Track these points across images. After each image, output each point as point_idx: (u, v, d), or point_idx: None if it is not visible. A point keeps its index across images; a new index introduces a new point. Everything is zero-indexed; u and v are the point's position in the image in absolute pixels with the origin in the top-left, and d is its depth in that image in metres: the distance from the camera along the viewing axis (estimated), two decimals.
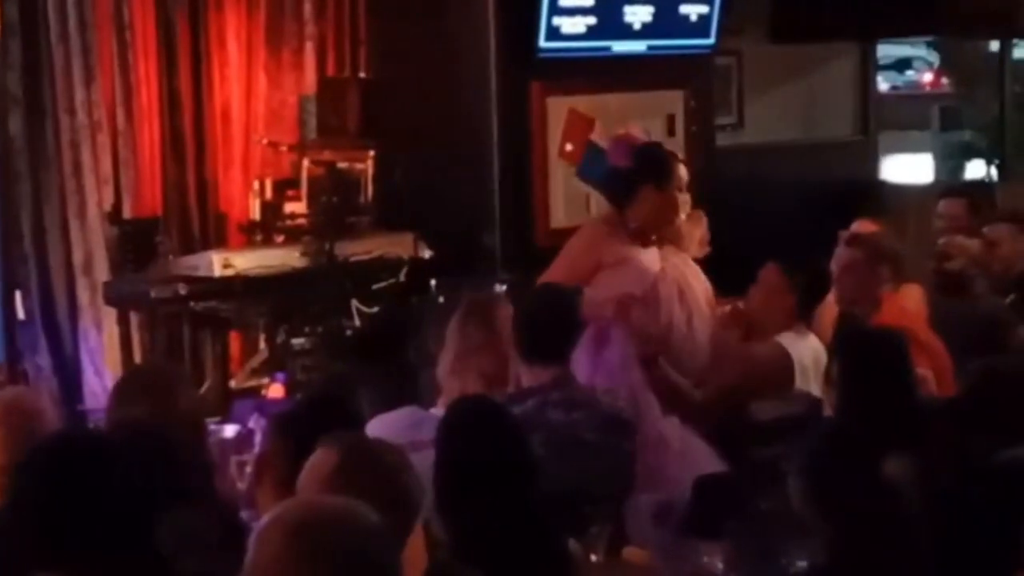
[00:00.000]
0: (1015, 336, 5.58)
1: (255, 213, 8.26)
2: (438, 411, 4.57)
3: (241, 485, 4.50)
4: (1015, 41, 12.48)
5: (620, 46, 8.78)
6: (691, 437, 4.99)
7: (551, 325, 4.62)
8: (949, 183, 11.58)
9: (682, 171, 5.30)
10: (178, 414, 3.90)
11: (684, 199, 5.36)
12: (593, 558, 3.83)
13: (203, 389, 7.40)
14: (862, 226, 6.52)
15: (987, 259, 6.34)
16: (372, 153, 8.24)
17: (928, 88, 15.42)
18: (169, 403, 3.92)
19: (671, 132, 9.11)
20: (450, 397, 4.71)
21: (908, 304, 5.88)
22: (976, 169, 13.80)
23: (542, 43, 8.44)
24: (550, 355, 4.60)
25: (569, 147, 8.67)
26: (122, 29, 8.12)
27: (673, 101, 9.15)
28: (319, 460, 2.90)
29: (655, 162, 5.18)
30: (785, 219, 8.85)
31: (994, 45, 12.53)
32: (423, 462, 4.17)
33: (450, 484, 3.44)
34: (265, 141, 8.39)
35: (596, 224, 5.21)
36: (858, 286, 5.69)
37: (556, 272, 5.21)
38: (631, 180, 5.11)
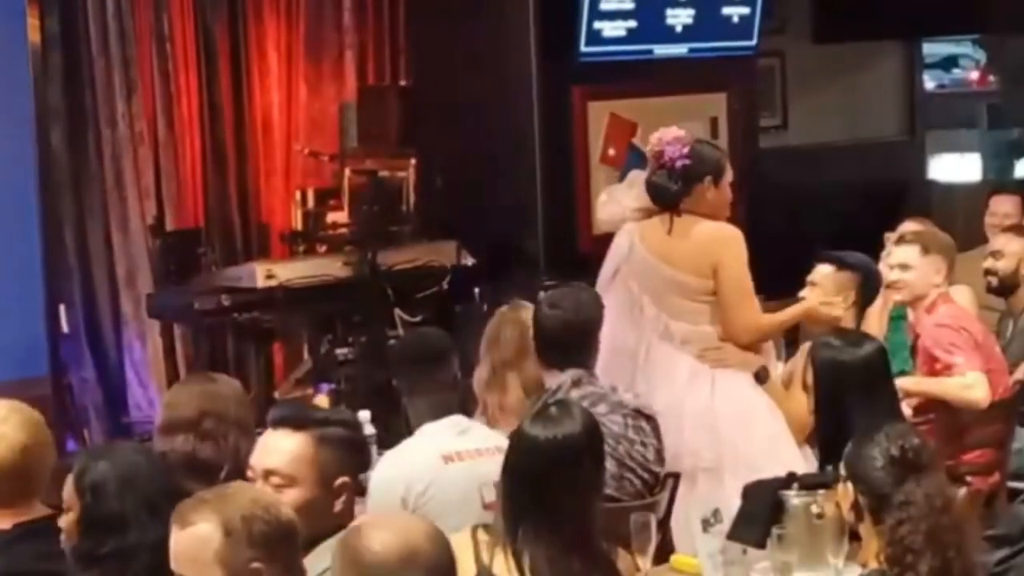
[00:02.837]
0: None
1: (297, 223, 8.25)
2: (480, 420, 4.54)
3: None
4: None
5: (661, 49, 8.72)
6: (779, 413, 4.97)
7: (559, 333, 4.58)
8: (998, 181, 11.43)
9: (730, 165, 5.25)
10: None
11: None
12: (642, 566, 3.76)
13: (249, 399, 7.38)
14: (910, 226, 6.45)
15: None
16: (413, 161, 8.21)
17: (975, 86, 15.24)
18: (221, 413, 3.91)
19: (714, 135, 9.04)
20: (488, 409, 4.68)
21: (961, 302, 5.80)
22: None
23: (583, 47, 8.40)
24: (562, 363, 4.57)
25: (611, 152, 8.62)
26: (162, 40, 8.14)
27: (716, 104, 9.08)
28: None
29: (711, 157, 5.11)
30: (831, 221, 8.75)
31: None
32: (464, 472, 4.20)
33: (517, 488, 3.38)
34: (306, 151, 8.38)
35: (734, 229, 5.11)
36: (914, 283, 5.62)
37: (753, 292, 5.12)
38: (689, 176, 5.03)
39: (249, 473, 3.25)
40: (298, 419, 3.26)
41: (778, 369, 5.30)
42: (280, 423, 3.25)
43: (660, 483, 4.57)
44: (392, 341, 7.32)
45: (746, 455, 4.84)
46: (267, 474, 3.21)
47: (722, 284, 5.00)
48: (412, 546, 2.65)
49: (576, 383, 4.53)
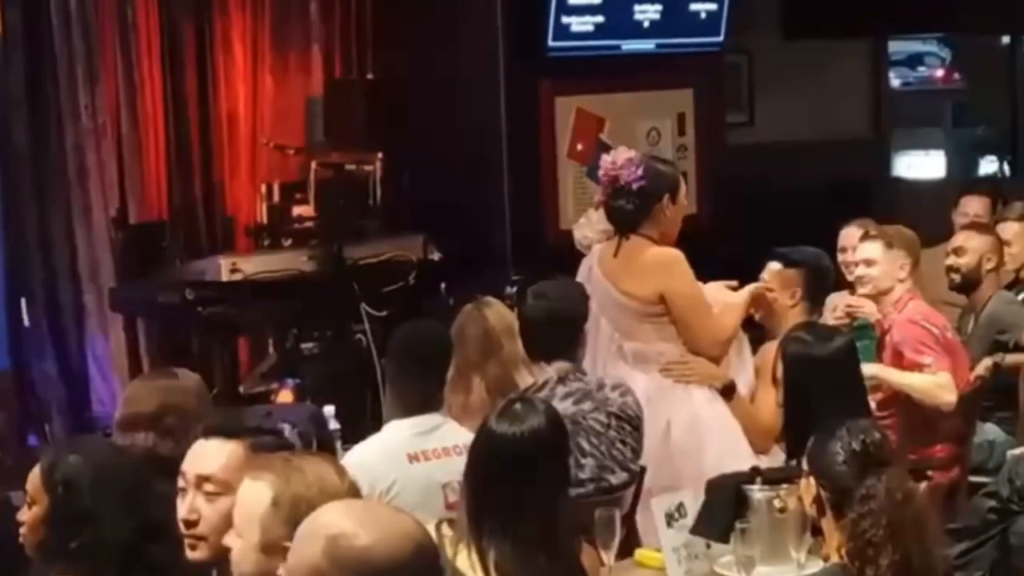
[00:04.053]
0: None
1: (262, 217, 8.21)
2: (447, 417, 4.52)
3: None
4: None
5: (629, 45, 8.73)
6: (735, 427, 5.01)
7: (547, 325, 4.57)
8: (963, 179, 11.49)
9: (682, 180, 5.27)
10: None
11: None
12: (606, 561, 3.76)
13: (212, 395, 7.34)
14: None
15: (999, 257, 6.29)
16: (380, 155, 8.17)
17: (940, 84, 15.32)
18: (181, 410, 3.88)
19: (681, 131, 9.06)
20: (454, 408, 4.66)
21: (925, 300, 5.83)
22: (989, 165, 13.71)
23: (551, 42, 8.40)
24: (550, 353, 4.55)
25: (579, 147, 8.63)
26: (126, 32, 8.07)
27: (683, 99, 9.10)
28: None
29: (666, 174, 5.12)
30: (797, 217, 8.76)
31: (1006, 40, 12.45)
32: (429, 472, 4.18)
33: (482, 485, 3.37)
34: (272, 144, 8.34)
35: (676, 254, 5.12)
36: (879, 278, 5.65)
37: (710, 309, 5.12)
38: (646, 196, 5.04)
39: (180, 482, 3.15)
40: (230, 428, 3.19)
41: (748, 365, 5.31)
42: (212, 432, 3.17)
43: (638, 482, 4.57)
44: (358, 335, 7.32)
45: (700, 472, 4.85)
46: (200, 481, 3.12)
47: (675, 309, 5.02)
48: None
49: (562, 379, 4.51)
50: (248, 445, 3.11)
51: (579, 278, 5.19)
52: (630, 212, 5.05)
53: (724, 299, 5.19)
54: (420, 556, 2.17)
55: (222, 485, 3.08)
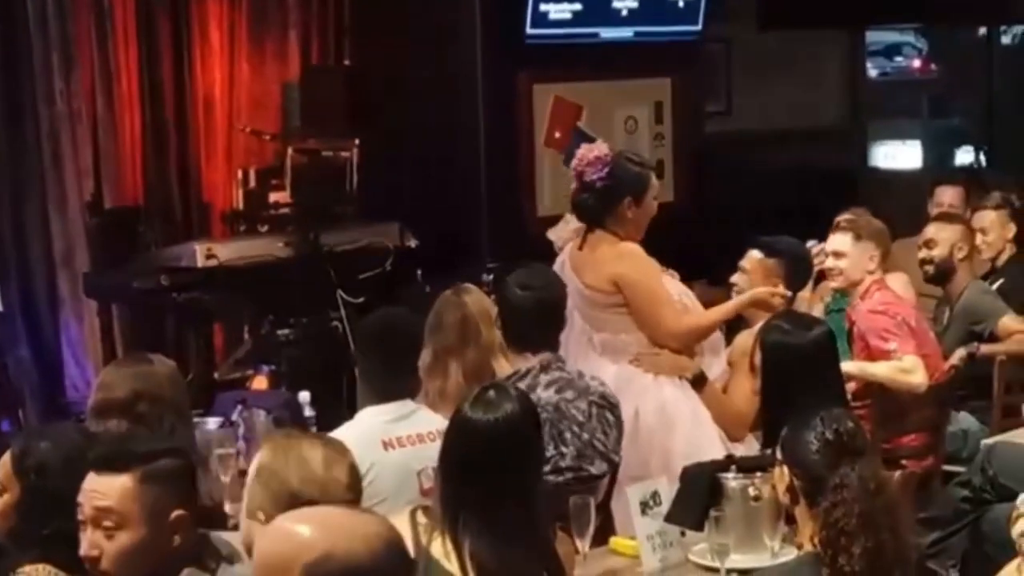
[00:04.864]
0: None
1: (238, 203, 8.19)
2: (422, 403, 4.52)
3: (224, 478, 4.44)
4: (1003, 28, 12.43)
5: (607, 33, 8.73)
6: (704, 416, 5.03)
7: (534, 313, 4.57)
8: (939, 170, 11.51)
9: (655, 179, 5.27)
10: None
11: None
12: (580, 548, 3.76)
13: (187, 381, 7.31)
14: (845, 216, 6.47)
15: (971, 246, 6.31)
16: (357, 142, 8.16)
17: (917, 75, 15.34)
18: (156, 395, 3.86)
19: (659, 119, 9.07)
20: (429, 395, 4.66)
21: (897, 289, 5.84)
22: (965, 156, 13.74)
23: (529, 30, 8.39)
24: (536, 342, 4.55)
25: (557, 135, 8.62)
26: (102, 17, 8.03)
27: (661, 88, 9.10)
28: None
29: (631, 176, 5.13)
30: (774, 206, 8.78)
31: (982, 31, 12.48)
32: (403, 458, 4.18)
33: (456, 472, 3.37)
34: (248, 130, 8.31)
35: (632, 245, 5.15)
36: (848, 270, 5.67)
37: (666, 298, 5.14)
38: (608, 196, 5.08)
39: (80, 516, 3.03)
40: (120, 459, 3.01)
41: (721, 354, 5.33)
42: (102, 467, 3.01)
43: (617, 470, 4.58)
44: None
45: (668, 462, 4.87)
46: (97, 516, 2.99)
47: (630, 299, 5.09)
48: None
49: (545, 368, 4.51)
50: (140, 475, 2.96)
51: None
52: (593, 208, 5.14)
53: (680, 289, 5.22)
54: (390, 554, 2.13)
55: (117, 519, 2.96)
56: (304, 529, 2.13)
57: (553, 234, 5.52)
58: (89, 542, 2.98)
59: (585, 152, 5.16)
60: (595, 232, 5.14)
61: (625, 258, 5.09)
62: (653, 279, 5.11)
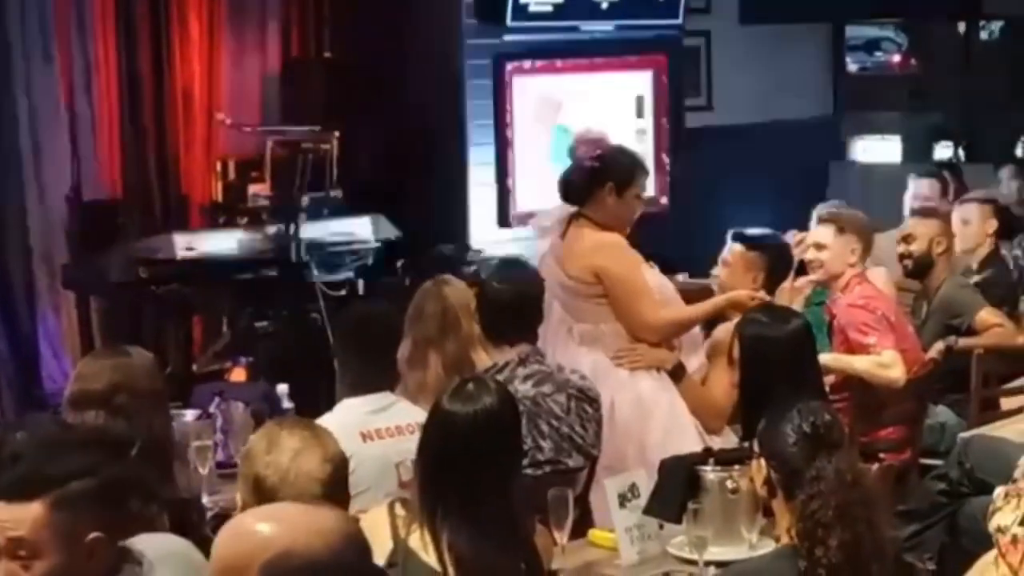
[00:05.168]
0: None
1: (218, 195, 8.17)
2: (401, 395, 4.51)
3: (202, 470, 4.43)
4: (981, 23, 12.47)
5: (588, 26, 8.74)
6: (681, 407, 5.04)
7: (513, 306, 4.57)
8: (918, 164, 11.53)
9: (645, 180, 5.28)
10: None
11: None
12: (559, 541, 3.76)
13: (165, 374, 7.30)
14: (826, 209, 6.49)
15: (949, 240, 6.34)
16: (337, 134, 8.13)
17: (897, 69, 15.37)
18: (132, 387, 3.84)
19: (639, 113, 9.07)
20: (409, 386, 4.66)
21: (878, 284, 5.86)
22: (944, 150, 13.77)
23: (509, 23, 8.38)
24: (515, 334, 4.55)
25: (538, 128, 8.61)
26: (81, 8, 7.99)
27: (642, 82, 9.11)
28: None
29: (619, 166, 5.15)
30: (754, 200, 8.80)
31: (962, 26, 12.51)
32: (382, 451, 4.18)
33: (435, 464, 3.38)
34: (228, 122, 8.28)
35: (615, 236, 5.16)
36: (830, 262, 5.67)
37: (645, 291, 5.14)
38: (592, 178, 5.10)
39: None
40: (30, 486, 2.85)
41: (699, 347, 5.34)
42: (12, 494, 2.84)
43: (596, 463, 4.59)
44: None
45: (643, 453, 4.89)
46: (9, 548, 2.84)
47: (609, 289, 5.11)
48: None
49: (523, 361, 4.52)
50: (51, 502, 2.81)
51: (537, 263, 5.27)
52: (575, 186, 5.18)
53: (660, 281, 5.22)
54: (349, 549, 2.12)
55: (33, 548, 2.83)
56: (262, 527, 2.11)
57: (534, 223, 5.54)
58: (5, 572, 2.85)
59: (586, 132, 5.26)
60: (578, 221, 5.16)
61: (607, 249, 5.10)
62: (634, 271, 5.12)
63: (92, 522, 2.83)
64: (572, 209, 5.23)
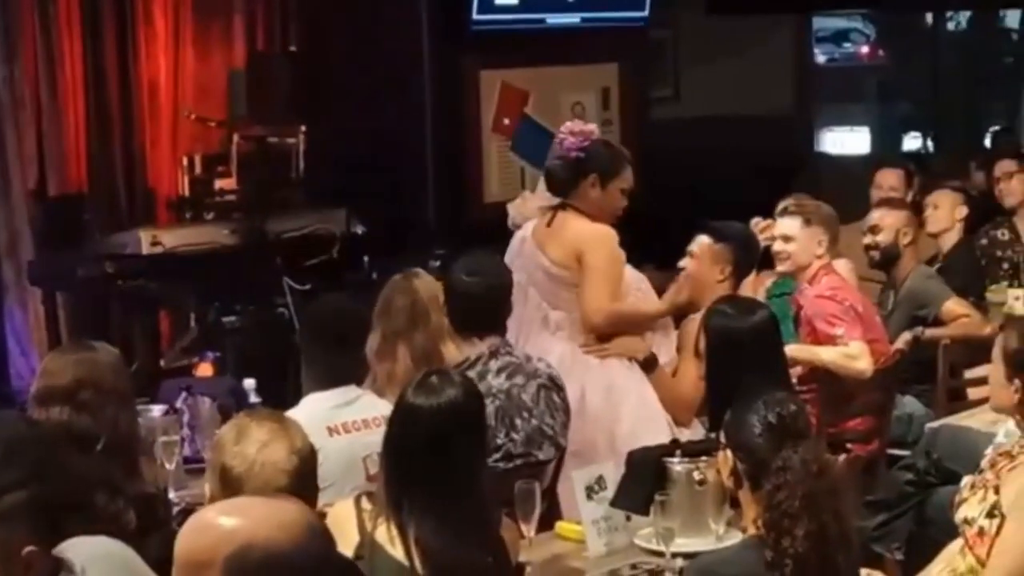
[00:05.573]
0: None
1: (184, 189, 8.14)
2: (369, 388, 4.51)
3: (169, 466, 4.42)
4: (949, 14, 12.53)
5: (554, 18, 8.73)
6: (651, 397, 5.04)
7: (484, 299, 4.57)
8: (886, 155, 11.58)
9: (629, 174, 5.28)
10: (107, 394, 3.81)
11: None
12: (526, 533, 3.76)
13: (132, 369, 7.26)
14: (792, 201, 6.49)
15: (916, 231, 6.35)
16: (303, 128, 8.13)
17: (865, 60, 15.45)
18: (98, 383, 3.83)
19: (606, 105, 9.07)
20: (378, 378, 4.65)
21: (842, 274, 5.87)
22: (913, 141, 13.83)
23: (475, 15, 8.37)
24: (485, 327, 4.55)
25: (505, 121, 8.61)
26: (45, 3, 7.94)
27: (608, 74, 9.11)
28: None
29: (602, 157, 5.17)
30: (721, 192, 8.80)
31: (930, 17, 12.57)
32: (349, 444, 4.17)
33: (400, 458, 3.36)
34: (193, 116, 8.25)
35: (607, 228, 5.17)
36: (797, 254, 5.68)
37: (611, 281, 5.14)
38: (575, 170, 5.12)
39: None
40: None
41: (670, 339, 5.35)
42: None
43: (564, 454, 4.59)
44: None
45: (612, 442, 4.89)
46: None
47: (583, 270, 5.11)
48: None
49: (494, 354, 4.51)
50: None
51: (510, 251, 5.29)
52: (560, 177, 5.21)
53: (637, 277, 5.23)
54: (312, 541, 2.11)
55: None
56: (224, 521, 2.10)
57: (513, 209, 5.55)
58: None
59: (573, 124, 5.27)
60: (566, 211, 5.18)
61: (598, 238, 5.12)
62: (614, 265, 5.12)
63: (27, 535, 2.76)
64: (554, 200, 5.25)
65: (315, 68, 8.38)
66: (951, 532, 3.84)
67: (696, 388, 4.86)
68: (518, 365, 4.53)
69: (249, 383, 5.22)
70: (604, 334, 5.13)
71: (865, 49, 15.90)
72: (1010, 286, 6.83)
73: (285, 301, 7.36)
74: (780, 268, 5.78)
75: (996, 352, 3.86)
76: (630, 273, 5.24)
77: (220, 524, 2.10)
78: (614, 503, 3.95)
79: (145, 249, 7.22)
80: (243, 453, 3.01)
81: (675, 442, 4.16)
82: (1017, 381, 3.77)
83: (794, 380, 5.08)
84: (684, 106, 10.09)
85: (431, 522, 3.28)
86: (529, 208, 5.44)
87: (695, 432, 4.92)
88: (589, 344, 5.13)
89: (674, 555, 3.73)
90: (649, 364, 5.13)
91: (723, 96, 10.15)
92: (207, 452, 3.30)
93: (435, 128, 8.37)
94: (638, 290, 5.22)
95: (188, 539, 2.12)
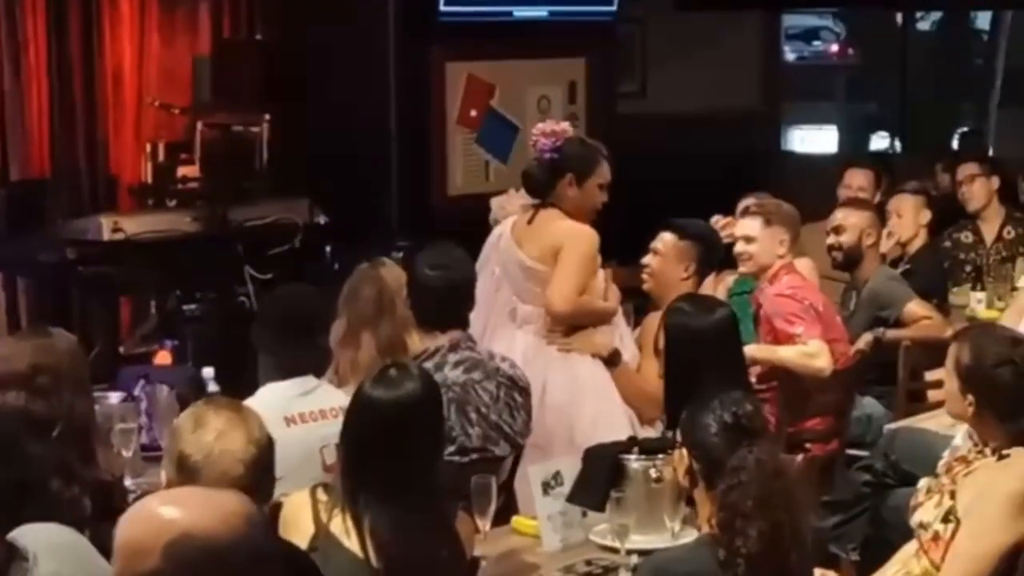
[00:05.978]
0: None
1: (147, 176, 8.11)
2: (330, 379, 4.49)
3: (126, 453, 4.39)
4: (919, 14, 12.56)
5: (521, 11, 8.71)
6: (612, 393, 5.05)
7: (445, 291, 4.55)
8: (854, 154, 11.61)
9: (606, 169, 5.28)
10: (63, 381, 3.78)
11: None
12: (482, 528, 3.75)
13: (91, 355, 7.23)
14: (751, 201, 6.48)
15: (879, 232, 6.36)
16: (268, 117, 8.10)
17: (835, 59, 15.49)
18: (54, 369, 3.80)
19: (572, 99, 9.06)
20: (340, 366, 4.64)
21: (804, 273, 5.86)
22: (881, 141, 13.87)
23: (442, 7, 8.34)
24: (446, 321, 4.54)
25: (472, 113, 8.59)
26: None
27: (575, 68, 9.09)
28: None
29: (576, 156, 5.17)
30: (687, 189, 8.80)
31: (900, 17, 12.59)
32: (306, 434, 4.15)
33: (357, 450, 3.37)
34: (158, 103, 8.21)
35: (588, 228, 5.17)
36: (758, 254, 5.69)
37: (581, 276, 5.14)
38: (551, 171, 5.12)
39: None
40: None
41: (632, 333, 5.35)
42: None
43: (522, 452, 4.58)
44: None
45: (572, 435, 4.89)
46: None
47: (557, 261, 5.10)
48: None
49: (454, 347, 4.49)
50: None
51: (487, 244, 5.32)
52: (536, 179, 5.23)
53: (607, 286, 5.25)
54: (251, 532, 2.11)
55: None
56: (163, 510, 2.12)
57: (496, 205, 5.55)
58: None
59: (545, 125, 5.29)
60: (547, 209, 5.19)
61: (577, 237, 5.13)
62: (587, 264, 5.13)
63: None
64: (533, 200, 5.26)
65: (281, 56, 8.35)
66: (907, 534, 3.85)
67: (657, 385, 4.86)
68: (478, 361, 4.51)
69: (208, 372, 5.19)
70: (566, 327, 5.13)
71: (835, 48, 15.95)
72: (973, 289, 6.85)
73: (246, 290, 7.33)
74: (742, 269, 5.77)
75: (949, 364, 3.84)
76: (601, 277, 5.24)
77: (160, 513, 2.11)
78: (570, 499, 3.95)
79: (106, 235, 7.18)
80: (200, 441, 3.00)
81: (632, 439, 4.16)
82: (971, 396, 3.76)
83: (753, 379, 5.08)
84: (651, 101, 10.08)
85: (386, 514, 3.28)
86: (513, 205, 5.45)
87: (657, 429, 4.92)
88: (554, 337, 5.12)
89: (629, 552, 3.74)
90: (613, 360, 5.13)
91: (691, 92, 10.14)
92: (164, 440, 3.28)
93: (400, 119, 8.34)
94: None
95: (128, 527, 2.13)
